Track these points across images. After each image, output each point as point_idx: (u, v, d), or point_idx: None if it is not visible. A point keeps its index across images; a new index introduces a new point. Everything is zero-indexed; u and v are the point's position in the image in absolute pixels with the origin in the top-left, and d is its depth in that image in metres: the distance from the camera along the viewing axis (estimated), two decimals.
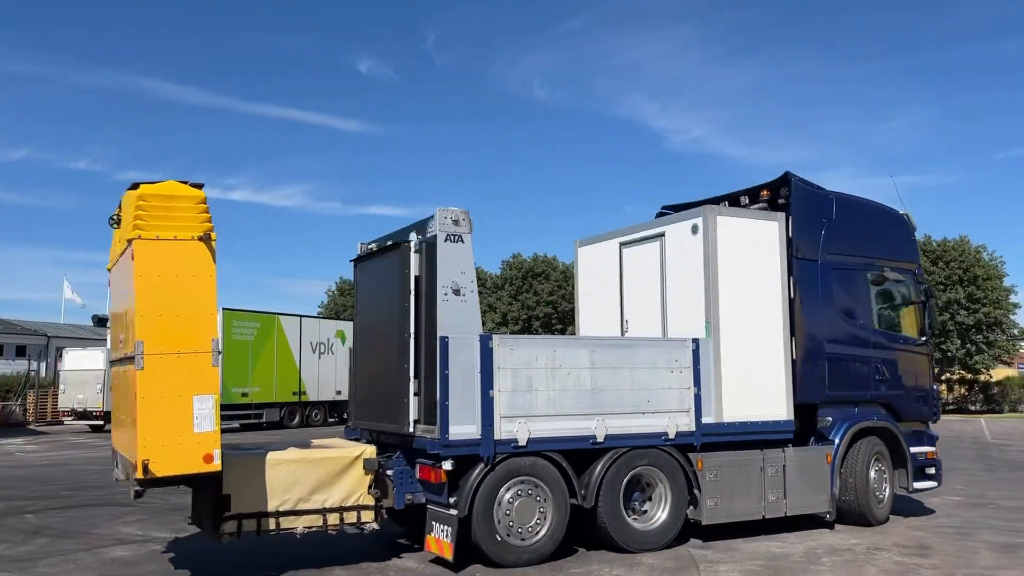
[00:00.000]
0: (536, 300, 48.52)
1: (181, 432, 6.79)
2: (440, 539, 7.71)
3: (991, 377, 44.57)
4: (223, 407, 29.59)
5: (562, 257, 55.78)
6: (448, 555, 7.56)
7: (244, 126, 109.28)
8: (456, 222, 8.02)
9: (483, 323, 35.83)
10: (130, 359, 7.00)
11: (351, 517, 7.83)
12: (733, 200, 10.34)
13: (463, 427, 7.70)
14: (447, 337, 7.74)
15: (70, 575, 7.87)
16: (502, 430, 7.86)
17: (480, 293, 49.42)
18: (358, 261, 9.88)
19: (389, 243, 8.94)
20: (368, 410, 9.29)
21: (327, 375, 33.92)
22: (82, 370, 31.29)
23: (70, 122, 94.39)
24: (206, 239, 7.11)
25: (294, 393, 32.36)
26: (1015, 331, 43.20)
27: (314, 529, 7.68)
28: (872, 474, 10.17)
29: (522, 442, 7.93)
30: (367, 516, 7.89)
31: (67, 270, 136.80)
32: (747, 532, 9.37)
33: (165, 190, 7.12)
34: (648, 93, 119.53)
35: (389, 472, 8.08)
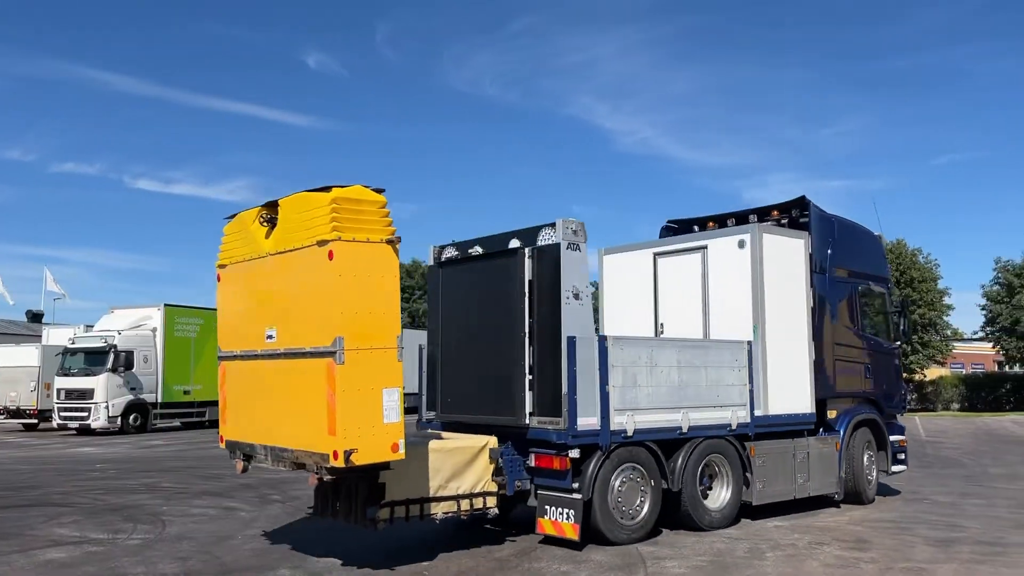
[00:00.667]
0: None
1: (374, 423, 7.21)
2: (559, 521, 8.53)
3: (925, 377, 45.98)
4: (163, 405, 28.81)
5: None
6: (574, 535, 8.33)
7: (188, 119, 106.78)
8: (575, 232, 8.79)
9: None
10: (298, 353, 7.59)
11: (478, 503, 8.53)
12: (741, 218, 11.61)
13: (587, 419, 8.56)
14: (575, 337, 8.46)
15: None
16: (614, 422, 8.79)
17: (424, 290, 49.04)
18: (443, 265, 10.24)
19: (496, 249, 9.59)
20: (466, 404, 9.70)
21: None
22: (15, 367, 30.24)
23: (3, 110, 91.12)
24: (393, 242, 7.48)
25: None
26: (948, 332, 44.66)
27: (450, 515, 8.32)
28: (865, 459, 11.83)
29: (630, 432, 8.94)
30: (491, 502, 8.64)
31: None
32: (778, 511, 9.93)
33: (355, 194, 7.44)
34: (597, 94, 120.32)
35: (501, 460, 8.78)
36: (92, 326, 29.41)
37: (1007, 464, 17.39)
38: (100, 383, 26.74)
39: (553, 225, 8.82)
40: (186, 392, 29.37)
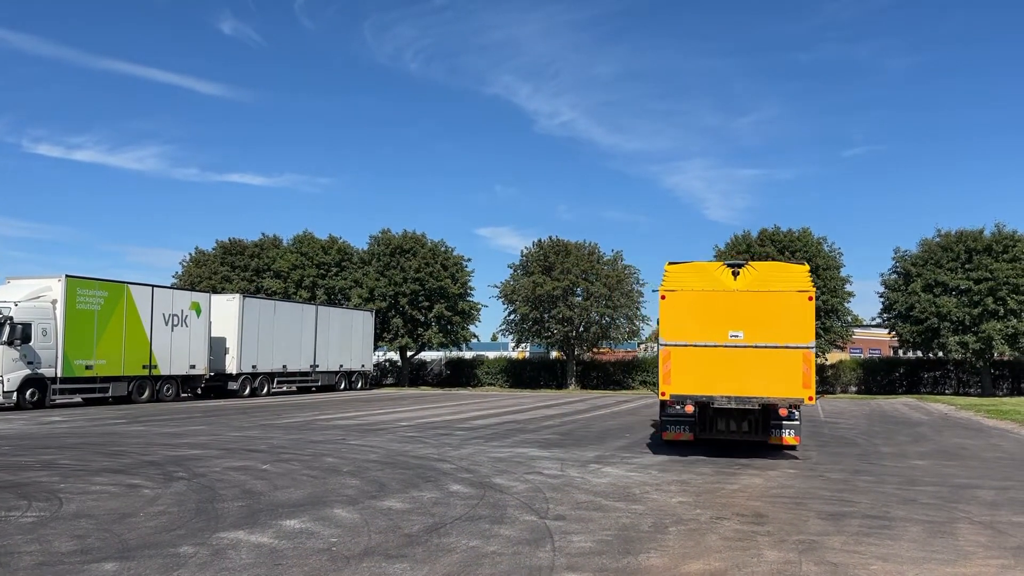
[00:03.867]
0: (403, 277, 48.16)
1: (810, 384, 13.97)
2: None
3: (826, 360, 47.98)
4: (63, 380, 27.83)
5: (431, 234, 55.64)
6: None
7: (94, 82, 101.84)
8: None
9: (349, 298, 37.25)
10: (770, 347, 14.00)
11: None
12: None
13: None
14: None
15: None
16: None
17: (346, 268, 48.89)
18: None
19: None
20: None
21: (180, 348, 32.47)
22: None
23: None
24: (811, 295, 14.06)
25: (144, 367, 30.80)
26: (849, 318, 46.61)
27: None
28: None
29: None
30: None
31: None
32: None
33: (807, 268, 15.06)
34: (519, 73, 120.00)
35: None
36: None
37: (897, 444, 18.35)
38: None
39: None
40: (88, 367, 28.32)
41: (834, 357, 49.90)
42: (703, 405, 14.55)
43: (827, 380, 47.21)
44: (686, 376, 14.27)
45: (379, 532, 8.40)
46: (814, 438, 19.50)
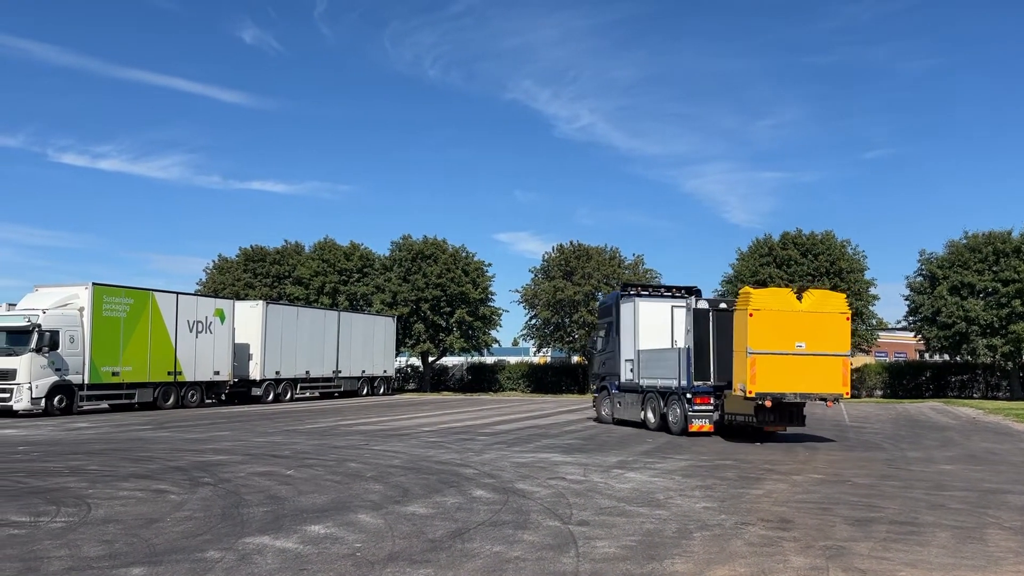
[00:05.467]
0: (425, 282, 48.29)
1: (848, 383, 18.65)
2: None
3: (852, 364, 47.50)
4: (90, 387, 28.13)
5: (452, 240, 55.68)
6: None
7: (117, 92, 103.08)
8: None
9: (371, 304, 40.16)
10: (823, 354, 18.06)
11: None
12: (656, 289, 24.44)
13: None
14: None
15: None
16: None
17: (367, 274, 49.12)
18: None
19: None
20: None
21: (205, 355, 32.75)
22: None
23: None
24: (848, 316, 18.75)
25: (169, 373, 31.09)
26: (874, 321, 46.12)
27: None
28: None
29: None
30: None
31: None
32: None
33: (843, 296, 19.37)
34: (538, 78, 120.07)
35: None
36: (14, 305, 28.36)
37: (924, 448, 18.13)
38: (23, 364, 25.91)
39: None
40: (115, 373, 28.64)
41: (859, 361, 49.39)
42: (776, 399, 18.09)
43: (852, 384, 46.68)
44: (767, 377, 17.71)
45: (403, 537, 8.42)
46: (840, 442, 19.31)
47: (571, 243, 50.24)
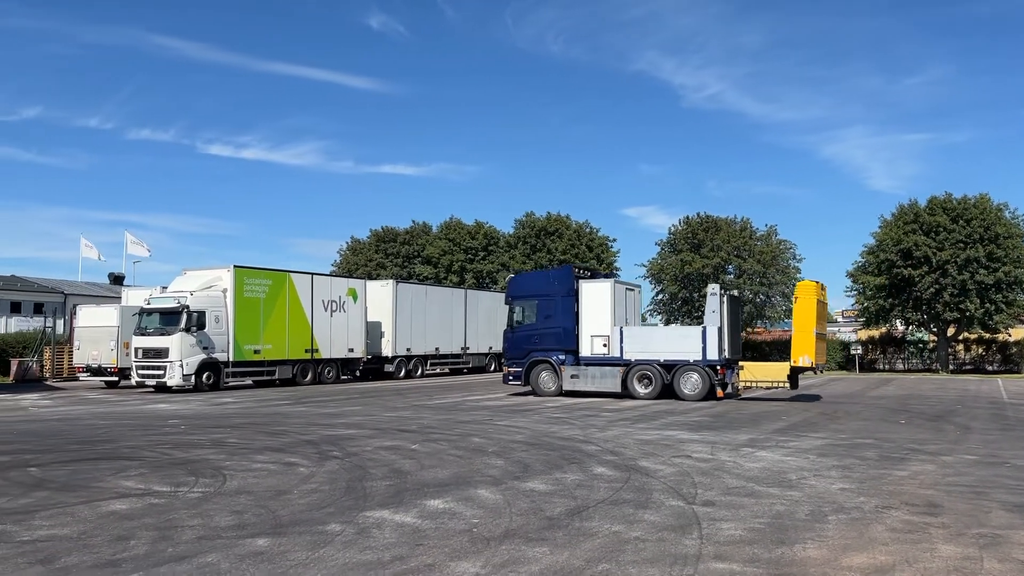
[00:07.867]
0: (550, 259, 48.19)
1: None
2: None
3: (1009, 336, 44.01)
4: (235, 364, 29.79)
5: (575, 216, 55.32)
6: None
7: (254, 84, 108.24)
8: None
9: (496, 281, 42.73)
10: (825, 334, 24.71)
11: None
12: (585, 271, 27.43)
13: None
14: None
15: (64, 528, 7.80)
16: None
17: (492, 252, 50.06)
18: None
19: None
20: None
21: (339, 333, 33.92)
22: (96, 327, 31.47)
23: (81, 79, 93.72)
24: (822, 302, 23.35)
25: (306, 350, 32.39)
26: None
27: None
28: None
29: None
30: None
31: (83, 228, 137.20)
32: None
33: (818, 286, 23.24)
34: (663, 49, 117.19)
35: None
36: (166, 288, 30.23)
37: None
38: (174, 342, 27.59)
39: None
40: (256, 351, 30.09)
41: (1018, 333, 45.59)
42: (818, 369, 23.18)
43: (1011, 358, 43.34)
44: (809, 352, 22.38)
45: (520, 514, 8.29)
46: (996, 421, 17.83)
47: (698, 215, 48.86)
